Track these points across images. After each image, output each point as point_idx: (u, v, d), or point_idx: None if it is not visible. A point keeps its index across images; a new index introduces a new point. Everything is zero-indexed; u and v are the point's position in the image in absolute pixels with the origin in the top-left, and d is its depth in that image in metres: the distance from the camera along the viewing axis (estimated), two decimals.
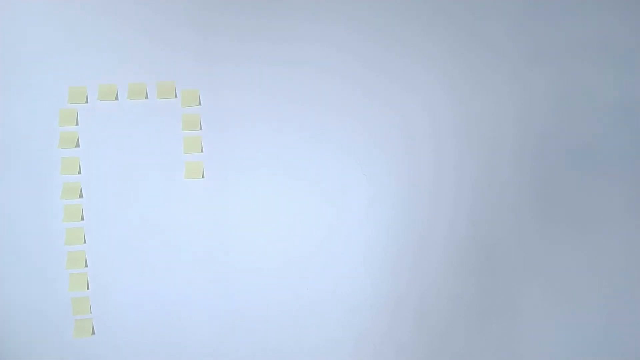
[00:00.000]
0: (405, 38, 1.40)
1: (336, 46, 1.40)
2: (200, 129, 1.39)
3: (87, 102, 1.37)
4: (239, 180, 1.39)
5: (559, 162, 1.41)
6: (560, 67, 1.41)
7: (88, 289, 1.36)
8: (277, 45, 1.39)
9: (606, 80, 1.41)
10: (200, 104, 1.39)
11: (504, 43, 1.41)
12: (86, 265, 1.36)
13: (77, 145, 1.37)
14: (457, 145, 1.40)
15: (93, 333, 1.36)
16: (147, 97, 1.38)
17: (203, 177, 1.38)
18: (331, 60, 1.40)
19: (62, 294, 1.36)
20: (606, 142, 1.41)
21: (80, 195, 1.37)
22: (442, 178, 1.40)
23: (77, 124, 1.37)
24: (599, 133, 1.41)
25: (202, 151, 1.38)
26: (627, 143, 1.41)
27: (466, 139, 1.40)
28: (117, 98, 1.38)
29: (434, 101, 1.40)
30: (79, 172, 1.37)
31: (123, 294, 1.37)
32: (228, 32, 1.39)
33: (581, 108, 1.41)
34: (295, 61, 1.39)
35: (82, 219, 1.36)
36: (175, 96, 1.39)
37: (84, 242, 1.36)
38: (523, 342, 1.40)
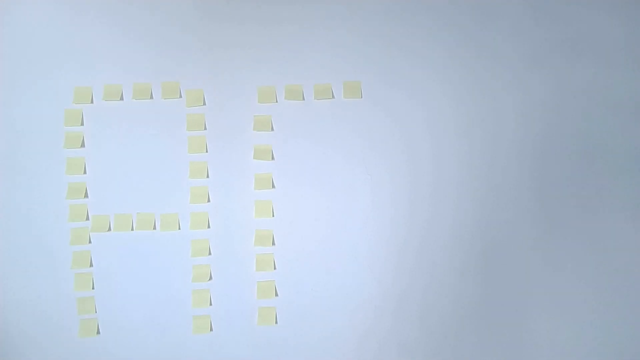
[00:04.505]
0: (407, 44, 1.41)
1: (338, 50, 1.40)
2: (205, 129, 1.39)
3: (92, 102, 1.38)
4: (243, 180, 1.39)
5: (561, 164, 1.41)
6: (560, 69, 1.42)
7: (93, 288, 1.36)
8: (281, 48, 1.40)
9: (607, 81, 1.42)
10: (204, 104, 1.39)
11: (504, 47, 1.42)
12: (91, 265, 1.36)
13: (83, 145, 1.37)
14: (459, 147, 1.41)
15: (98, 333, 1.36)
16: (152, 97, 1.38)
17: (208, 177, 1.39)
18: (334, 63, 1.40)
19: (68, 294, 1.36)
20: (609, 143, 1.41)
21: (86, 195, 1.37)
22: (444, 178, 1.41)
23: (82, 124, 1.37)
24: (602, 134, 1.42)
25: (206, 151, 1.39)
26: (630, 143, 1.42)
27: (468, 141, 1.41)
28: (122, 98, 1.38)
29: (435, 104, 1.41)
30: (84, 172, 1.37)
31: (128, 294, 1.37)
32: (233, 33, 1.39)
33: (583, 110, 1.42)
34: (299, 64, 1.40)
35: (87, 218, 1.37)
36: (180, 96, 1.39)
37: (89, 242, 1.36)
38: (528, 341, 1.40)
